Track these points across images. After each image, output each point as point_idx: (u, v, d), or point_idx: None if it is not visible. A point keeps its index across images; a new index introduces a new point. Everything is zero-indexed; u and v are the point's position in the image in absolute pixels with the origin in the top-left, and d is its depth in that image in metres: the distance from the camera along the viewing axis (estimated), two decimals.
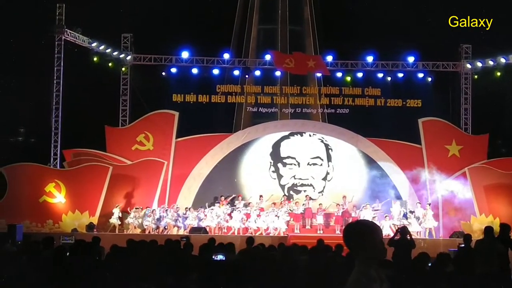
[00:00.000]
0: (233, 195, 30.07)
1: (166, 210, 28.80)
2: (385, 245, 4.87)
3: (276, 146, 32.13)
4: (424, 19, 32.52)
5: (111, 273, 9.35)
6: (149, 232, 27.78)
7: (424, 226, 28.35)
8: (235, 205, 29.31)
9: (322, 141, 32.19)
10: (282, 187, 31.80)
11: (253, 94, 32.79)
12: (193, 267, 8.42)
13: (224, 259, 10.65)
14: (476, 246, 13.25)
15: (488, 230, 13.49)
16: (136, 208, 28.68)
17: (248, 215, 28.66)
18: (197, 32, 32.99)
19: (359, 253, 4.76)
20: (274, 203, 29.40)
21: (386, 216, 28.39)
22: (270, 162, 32.01)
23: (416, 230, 27.63)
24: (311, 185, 31.89)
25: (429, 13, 31.62)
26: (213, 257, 10.78)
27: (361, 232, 4.81)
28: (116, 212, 28.48)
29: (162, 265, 9.02)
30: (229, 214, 28.76)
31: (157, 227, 28.40)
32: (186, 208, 29.03)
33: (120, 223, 28.54)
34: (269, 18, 35.46)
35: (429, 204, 29.02)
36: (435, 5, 32.15)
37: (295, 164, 32.01)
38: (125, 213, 28.89)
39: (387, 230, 26.80)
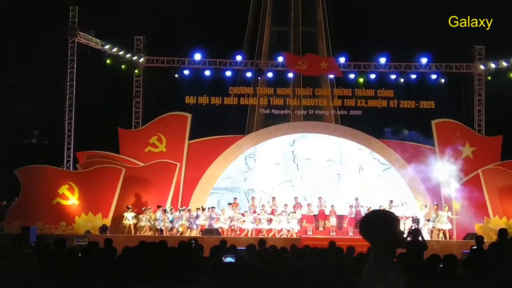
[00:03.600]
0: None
1: (181, 210, 28.81)
2: (402, 233, 4.93)
3: (290, 147, 32.11)
4: (436, 20, 32.40)
5: (122, 274, 9.36)
6: (163, 233, 27.85)
7: (438, 228, 28.27)
8: (248, 207, 29.32)
9: (335, 143, 32.10)
10: (295, 188, 31.77)
11: (265, 96, 32.79)
12: (203, 269, 8.42)
13: (233, 261, 10.62)
14: (490, 248, 13.19)
15: (502, 232, 13.43)
16: (145, 209, 28.61)
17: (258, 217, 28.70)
18: (210, 34, 33.10)
19: (377, 241, 4.78)
20: (286, 205, 29.40)
21: (400, 219, 28.30)
22: (283, 164, 32.00)
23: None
24: (324, 187, 31.83)
25: (441, 14, 31.46)
26: (223, 259, 10.75)
27: (380, 221, 4.87)
28: (129, 214, 28.48)
29: (171, 267, 9.03)
30: (242, 215, 28.76)
31: (171, 229, 28.45)
32: (198, 208, 29.03)
33: (134, 222, 28.51)
34: (281, 20, 35.49)
35: (446, 207, 28.92)
36: (446, 6, 32.03)
37: (308, 166, 31.98)
38: (138, 214, 28.83)
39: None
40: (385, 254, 4.80)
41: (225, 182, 31.81)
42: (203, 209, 28.90)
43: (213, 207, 29.20)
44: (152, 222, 28.47)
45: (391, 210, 26.98)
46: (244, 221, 28.47)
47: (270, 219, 28.54)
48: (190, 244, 12.96)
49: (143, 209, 28.69)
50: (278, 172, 32.01)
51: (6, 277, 9.19)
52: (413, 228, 21.65)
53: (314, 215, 29.62)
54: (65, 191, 29.16)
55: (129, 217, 28.44)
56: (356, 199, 30.00)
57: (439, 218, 28.28)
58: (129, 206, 28.78)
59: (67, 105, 31.17)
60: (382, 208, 28.73)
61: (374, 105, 32.41)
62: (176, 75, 33.03)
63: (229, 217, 28.52)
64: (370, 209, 28.80)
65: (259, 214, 28.82)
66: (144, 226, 28.40)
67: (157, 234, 27.79)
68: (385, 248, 4.81)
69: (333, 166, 32.12)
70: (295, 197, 30.48)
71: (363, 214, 28.77)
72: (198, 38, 33.45)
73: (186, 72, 32.97)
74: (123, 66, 32.67)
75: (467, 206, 29.52)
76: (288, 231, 28.29)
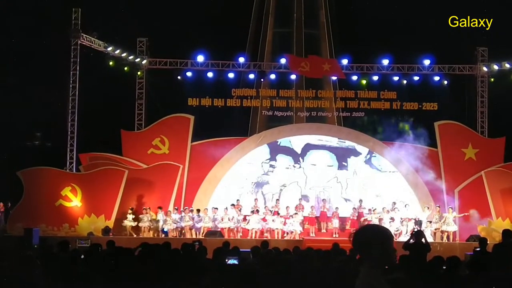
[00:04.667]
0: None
1: (182, 211, 28.80)
2: (395, 252, 4.86)
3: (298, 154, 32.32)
4: (439, 22, 32.34)
5: (126, 276, 9.36)
6: (165, 235, 27.83)
7: (444, 230, 28.25)
8: (251, 208, 29.30)
9: (339, 146, 32.14)
10: (299, 190, 31.82)
11: (268, 98, 32.77)
12: (206, 271, 8.42)
13: (237, 263, 10.62)
14: (494, 249, 13.18)
15: (506, 233, 13.42)
16: (144, 209, 28.55)
17: (264, 219, 28.69)
18: (213, 36, 33.03)
19: (369, 256, 4.74)
20: (288, 207, 29.41)
21: (402, 221, 28.33)
22: (288, 166, 32.12)
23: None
24: (327, 188, 31.87)
25: (443, 15, 31.37)
26: (226, 260, 10.76)
27: (375, 237, 4.78)
28: (129, 216, 28.45)
29: (176, 269, 9.03)
30: (244, 218, 28.76)
31: (175, 230, 28.45)
32: (198, 209, 28.99)
33: (134, 224, 28.48)
34: (284, 21, 35.47)
35: (451, 208, 28.89)
36: (448, 7, 31.96)
37: (311, 168, 32.03)
38: (138, 215, 28.77)
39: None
40: (374, 267, 4.74)
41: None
42: (206, 211, 28.91)
43: (216, 208, 29.19)
44: (154, 223, 28.44)
45: (394, 212, 27.21)
46: (248, 221, 28.46)
47: (273, 220, 28.57)
48: (193, 246, 12.98)
49: (143, 209, 28.65)
50: (289, 175, 32.10)
51: (10, 279, 9.19)
52: (416, 230, 21.63)
53: (316, 217, 29.64)
54: (68, 193, 29.17)
55: (129, 219, 28.42)
56: (360, 201, 30.08)
57: (444, 220, 28.26)
58: (131, 208, 28.76)
59: (70, 107, 31.19)
60: (386, 210, 28.81)
61: (376, 107, 32.40)
62: (178, 77, 33.03)
63: (232, 217, 28.53)
64: (375, 211, 28.91)
65: (262, 216, 28.85)
66: (144, 227, 28.33)
67: (159, 236, 27.81)
68: (376, 264, 4.74)
69: (336, 168, 32.08)
70: (299, 199, 30.49)
71: (366, 216, 28.87)
72: (201, 40, 33.43)
73: (188, 74, 32.98)
74: (125, 68, 32.70)
75: (470, 208, 29.47)
76: (291, 233, 28.32)
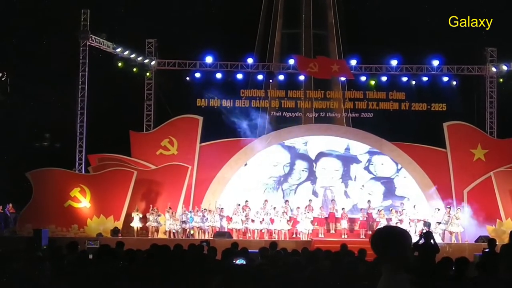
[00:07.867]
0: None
1: (191, 211, 28.81)
2: (414, 252, 4.88)
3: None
4: (447, 22, 32.25)
5: (133, 277, 9.37)
6: (173, 236, 27.81)
7: (450, 230, 28.18)
8: (260, 209, 29.29)
9: (344, 154, 32.41)
10: (311, 188, 31.99)
11: (277, 99, 32.79)
12: (215, 271, 8.42)
13: (244, 263, 10.61)
14: (501, 250, 13.14)
15: None
16: (152, 210, 28.52)
17: (272, 220, 28.72)
18: (221, 37, 33.05)
19: (389, 259, 4.73)
20: (298, 207, 29.41)
21: (409, 222, 28.30)
22: (303, 169, 32.39)
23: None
24: (335, 189, 31.96)
25: (452, 16, 31.27)
26: (234, 261, 10.74)
27: (394, 238, 4.78)
28: (136, 216, 28.46)
29: (184, 270, 9.03)
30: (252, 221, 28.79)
31: (183, 230, 28.44)
32: (205, 209, 28.99)
33: (141, 226, 28.50)
34: (293, 22, 35.44)
35: (459, 209, 28.81)
36: (457, 8, 31.88)
37: (322, 171, 32.24)
38: (145, 216, 28.75)
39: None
40: (397, 270, 4.74)
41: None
42: (211, 211, 28.92)
43: (222, 208, 29.25)
44: (161, 223, 28.41)
45: (403, 214, 27.17)
46: (262, 220, 28.50)
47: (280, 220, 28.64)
48: (201, 247, 12.98)
49: (151, 210, 28.63)
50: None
51: (19, 279, 9.22)
52: (425, 231, 21.60)
53: (325, 218, 29.64)
54: (77, 193, 29.20)
55: (136, 220, 28.43)
56: (369, 201, 30.09)
57: (451, 221, 28.18)
58: (137, 208, 28.74)
59: (79, 107, 31.28)
60: (393, 211, 28.78)
61: (385, 107, 32.39)
62: (187, 78, 33.11)
63: (241, 219, 28.56)
64: (381, 212, 28.87)
65: (271, 214, 28.89)
66: (151, 227, 28.32)
67: (168, 237, 27.80)
68: (396, 265, 4.74)
69: (345, 169, 32.30)
70: (309, 200, 30.46)
71: (374, 217, 28.84)
72: (210, 41, 33.45)
73: (197, 75, 33.04)
74: (134, 69, 32.77)
75: (479, 209, 29.40)
76: (300, 233, 28.36)
